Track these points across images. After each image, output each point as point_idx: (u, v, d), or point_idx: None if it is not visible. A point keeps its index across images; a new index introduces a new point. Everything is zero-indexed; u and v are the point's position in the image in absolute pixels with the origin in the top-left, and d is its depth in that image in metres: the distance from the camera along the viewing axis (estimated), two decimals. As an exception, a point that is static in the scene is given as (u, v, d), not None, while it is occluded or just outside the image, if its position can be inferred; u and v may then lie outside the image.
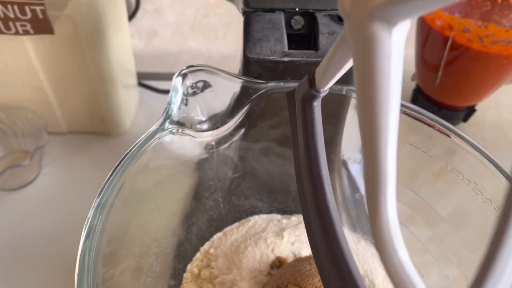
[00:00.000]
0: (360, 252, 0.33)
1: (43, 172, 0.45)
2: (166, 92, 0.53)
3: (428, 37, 0.46)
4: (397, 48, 0.14)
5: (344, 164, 0.34)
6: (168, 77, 0.58)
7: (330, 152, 0.31)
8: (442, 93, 0.49)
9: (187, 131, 0.26)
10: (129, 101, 0.50)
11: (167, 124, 0.25)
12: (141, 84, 0.53)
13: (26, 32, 0.38)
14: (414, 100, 0.54)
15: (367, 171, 0.14)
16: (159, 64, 0.59)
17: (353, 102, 0.30)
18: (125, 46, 0.47)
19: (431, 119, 0.27)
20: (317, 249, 0.17)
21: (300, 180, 0.19)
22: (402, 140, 0.30)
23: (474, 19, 0.42)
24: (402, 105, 0.28)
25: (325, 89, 0.19)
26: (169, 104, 0.26)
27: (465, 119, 0.53)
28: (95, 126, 0.48)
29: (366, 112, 0.14)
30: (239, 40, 0.31)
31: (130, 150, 0.23)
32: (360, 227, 0.35)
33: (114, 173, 0.22)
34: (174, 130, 0.25)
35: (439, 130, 0.26)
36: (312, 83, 0.19)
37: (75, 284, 0.18)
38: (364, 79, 0.14)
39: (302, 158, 0.19)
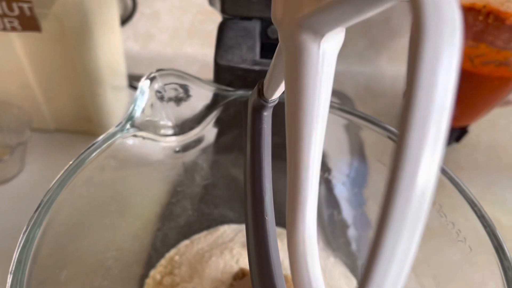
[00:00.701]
0: (328, 269, 0.32)
1: (26, 169, 0.45)
2: (157, 95, 0.53)
3: (421, 54, 0.46)
4: (325, 60, 0.13)
5: (327, 182, 0.33)
6: (162, 81, 0.58)
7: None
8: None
9: (150, 135, 0.26)
10: (118, 103, 0.50)
11: (128, 126, 0.25)
12: (132, 86, 0.53)
13: (14, 29, 0.38)
14: (406, 118, 0.53)
15: (288, 184, 0.13)
16: (154, 67, 0.59)
17: (339, 121, 0.29)
18: (115, 47, 0.47)
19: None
20: (250, 261, 0.17)
21: (244, 189, 0.19)
22: (371, 157, 0.29)
23: (465, 39, 0.41)
24: (371, 122, 0.27)
25: (273, 99, 0.18)
26: (133, 106, 0.26)
27: (458, 139, 0.52)
28: (82, 126, 0.48)
29: (290, 123, 0.14)
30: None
31: (86, 150, 0.23)
32: (332, 244, 0.34)
33: (64, 173, 0.22)
34: (136, 133, 0.25)
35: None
36: (261, 93, 0.18)
37: (8, 283, 0.18)
38: (291, 89, 0.14)
39: (246, 168, 0.19)
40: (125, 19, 0.55)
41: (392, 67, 0.62)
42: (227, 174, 0.32)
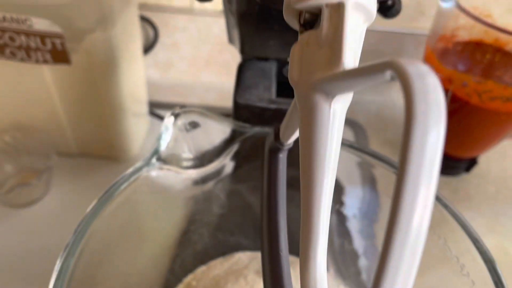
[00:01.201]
0: (338, 297, 0.33)
1: (51, 192, 0.47)
2: (175, 122, 0.55)
3: (430, 88, 0.47)
4: (336, 117, 0.15)
5: (338, 213, 0.35)
6: (180, 107, 0.61)
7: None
8: (444, 144, 0.50)
9: (173, 168, 0.28)
10: (139, 129, 0.52)
11: (154, 160, 0.27)
12: (152, 113, 0.55)
13: (45, 61, 0.41)
14: (416, 147, 0.54)
15: (302, 226, 0.15)
16: (173, 94, 0.62)
17: (353, 158, 0.31)
18: (137, 76, 0.49)
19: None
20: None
21: (261, 226, 0.21)
22: (383, 193, 0.31)
23: (473, 75, 0.43)
24: (383, 160, 0.29)
25: (288, 143, 0.20)
26: (158, 140, 0.28)
27: (467, 169, 0.53)
28: (104, 150, 0.50)
29: (304, 172, 0.15)
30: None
31: (114, 183, 0.25)
32: (343, 273, 0.35)
33: (96, 204, 0.24)
34: (161, 166, 0.27)
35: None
36: (277, 136, 0.20)
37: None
38: (304, 141, 0.15)
39: (262, 205, 0.20)
40: (147, 49, 0.58)
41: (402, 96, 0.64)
42: (242, 204, 0.34)
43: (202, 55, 0.60)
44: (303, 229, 0.15)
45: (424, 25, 0.57)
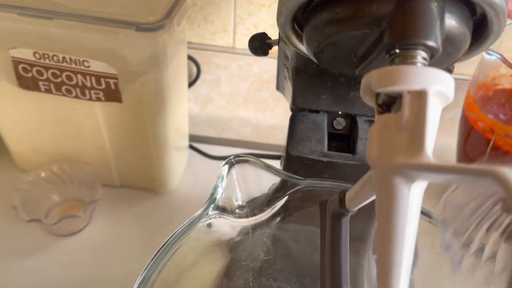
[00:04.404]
0: None
1: (93, 222, 0.48)
2: (214, 157, 0.56)
3: (470, 134, 0.47)
4: (414, 200, 0.16)
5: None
6: (217, 141, 0.62)
7: (360, 249, 0.33)
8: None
9: (228, 216, 0.28)
10: (179, 163, 0.53)
11: (210, 210, 0.27)
12: (191, 147, 0.56)
13: (98, 99, 0.43)
14: (453, 192, 0.54)
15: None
16: (211, 128, 0.64)
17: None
18: (182, 113, 0.51)
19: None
20: None
21: (323, 283, 0.21)
22: (420, 242, 0.31)
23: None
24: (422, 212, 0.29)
25: (353, 210, 0.21)
26: (215, 189, 0.29)
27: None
28: (144, 183, 0.52)
29: (382, 247, 0.16)
30: (286, 114, 0.34)
31: (175, 232, 0.26)
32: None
33: (159, 252, 0.24)
34: (216, 215, 0.28)
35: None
36: (342, 203, 0.21)
37: None
38: (382, 219, 0.16)
39: (326, 266, 0.21)
40: (189, 84, 0.60)
41: (440, 138, 0.64)
42: (286, 251, 0.34)
43: (240, 92, 0.61)
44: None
45: (462, 70, 0.58)
